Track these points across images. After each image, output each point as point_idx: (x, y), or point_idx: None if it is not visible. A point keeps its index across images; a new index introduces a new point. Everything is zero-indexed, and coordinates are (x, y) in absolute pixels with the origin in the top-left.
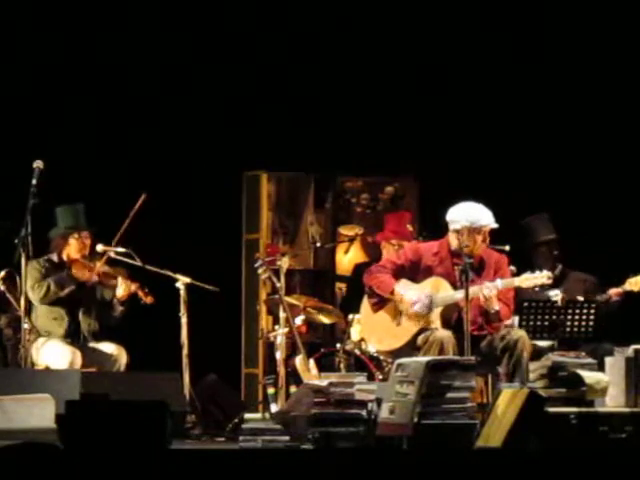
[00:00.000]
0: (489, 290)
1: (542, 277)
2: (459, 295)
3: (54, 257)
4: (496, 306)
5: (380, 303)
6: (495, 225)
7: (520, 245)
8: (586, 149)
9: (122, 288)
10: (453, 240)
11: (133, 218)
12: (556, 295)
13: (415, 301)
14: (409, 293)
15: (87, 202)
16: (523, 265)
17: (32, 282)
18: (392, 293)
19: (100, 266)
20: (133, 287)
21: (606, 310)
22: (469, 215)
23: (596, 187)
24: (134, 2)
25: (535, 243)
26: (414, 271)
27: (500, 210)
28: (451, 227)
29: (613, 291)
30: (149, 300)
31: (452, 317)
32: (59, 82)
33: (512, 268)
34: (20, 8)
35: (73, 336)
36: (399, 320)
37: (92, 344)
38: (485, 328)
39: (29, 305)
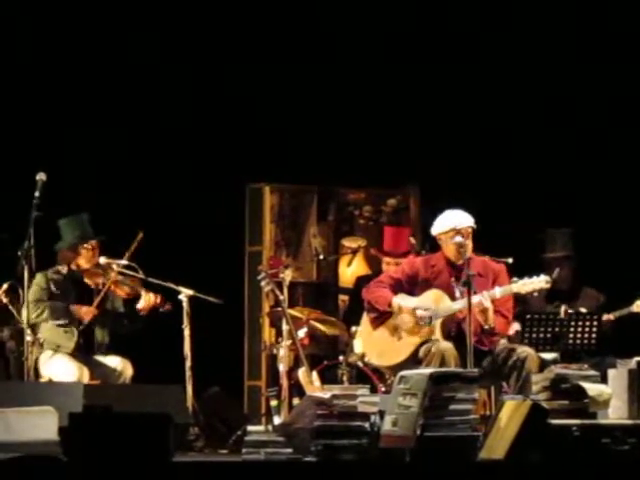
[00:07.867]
0: (485, 299)
1: (540, 282)
2: (458, 306)
3: (63, 269)
4: (492, 322)
5: (380, 318)
6: (473, 224)
7: (534, 256)
8: (593, 157)
9: (145, 299)
10: (448, 250)
11: (130, 256)
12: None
13: (416, 306)
14: (408, 301)
15: (90, 213)
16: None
17: (32, 298)
18: (390, 305)
19: (115, 276)
20: (157, 299)
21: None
22: (451, 219)
23: (601, 198)
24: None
25: (548, 258)
26: (412, 285)
27: (503, 221)
28: (440, 237)
29: (605, 317)
30: (167, 307)
31: (451, 329)
32: (63, 94)
33: (515, 279)
34: (24, 14)
35: (81, 349)
36: (399, 335)
37: (98, 357)
38: (484, 342)
39: None
